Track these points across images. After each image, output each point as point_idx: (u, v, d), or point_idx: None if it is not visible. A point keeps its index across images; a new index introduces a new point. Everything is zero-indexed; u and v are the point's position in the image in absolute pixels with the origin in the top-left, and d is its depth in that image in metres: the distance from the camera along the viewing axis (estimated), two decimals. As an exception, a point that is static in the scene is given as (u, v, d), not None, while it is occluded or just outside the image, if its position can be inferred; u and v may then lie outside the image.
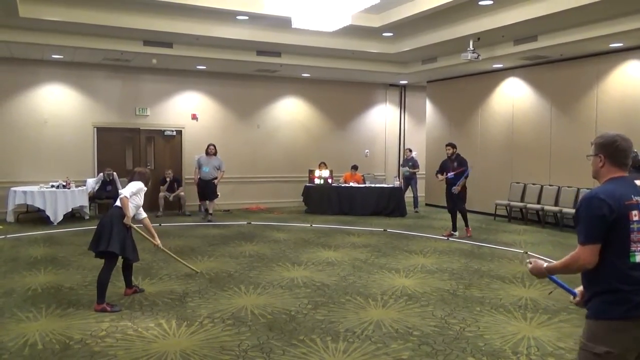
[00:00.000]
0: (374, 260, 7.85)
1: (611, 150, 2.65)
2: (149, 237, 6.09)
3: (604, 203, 2.50)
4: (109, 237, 5.40)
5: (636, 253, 2.50)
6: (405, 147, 14.78)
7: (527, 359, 4.30)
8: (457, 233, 9.89)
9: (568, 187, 10.87)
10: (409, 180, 13.78)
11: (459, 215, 9.93)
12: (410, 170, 13.84)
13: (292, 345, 4.50)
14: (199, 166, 11.88)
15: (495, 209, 12.13)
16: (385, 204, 12.76)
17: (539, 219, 11.44)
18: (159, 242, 6.10)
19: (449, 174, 9.77)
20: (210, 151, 11.85)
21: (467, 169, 9.66)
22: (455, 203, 9.86)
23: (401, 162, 14.35)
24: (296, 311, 5.41)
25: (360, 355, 4.32)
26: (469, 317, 5.28)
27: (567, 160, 11.08)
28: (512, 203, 11.86)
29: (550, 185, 11.36)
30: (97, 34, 10.02)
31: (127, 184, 5.96)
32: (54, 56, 11.40)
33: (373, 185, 13.41)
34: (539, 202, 11.40)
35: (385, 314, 5.37)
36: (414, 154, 15.76)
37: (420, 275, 6.97)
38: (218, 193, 12.04)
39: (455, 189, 9.60)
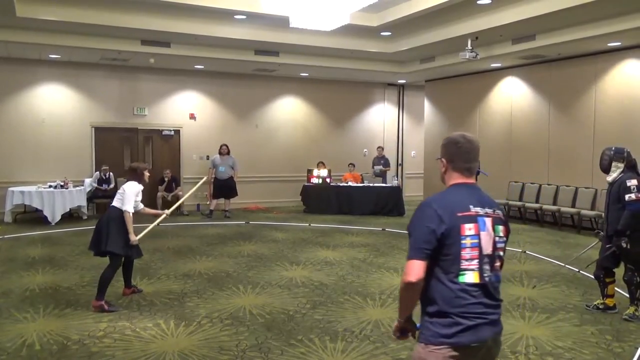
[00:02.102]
0: (373, 259, 7.85)
1: (451, 153, 2.36)
2: (157, 217, 6.21)
3: (435, 215, 2.20)
4: (109, 237, 5.38)
5: (467, 272, 2.19)
6: (378, 146, 14.67)
7: (525, 358, 4.30)
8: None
9: (566, 186, 10.88)
10: (383, 177, 13.83)
11: None
12: (383, 169, 13.91)
13: (291, 345, 4.50)
14: (215, 166, 12.15)
15: (494, 208, 12.12)
16: (384, 203, 12.75)
17: (538, 218, 11.45)
18: (167, 212, 6.28)
19: None
20: (223, 151, 12.19)
21: (480, 170, 9.91)
22: None
23: (373, 160, 14.35)
24: (295, 311, 5.41)
25: (359, 355, 4.31)
26: (468, 317, 5.27)
27: (566, 159, 11.10)
28: (511, 202, 11.86)
29: (548, 185, 11.36)
30: (95, 34, 9.99)
31: (125, 183, 5.87)
32: (51, 56, 11.37)
33: (371, 184, 13.40)
34: (537, 202, 11.41)
35: (384, 313, 5.36)
36: (412, 153, 15.81)
37: (418, 274, 6.95)
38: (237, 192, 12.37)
39: None
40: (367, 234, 10.03)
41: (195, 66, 12.68)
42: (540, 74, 11.64)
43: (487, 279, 2.23)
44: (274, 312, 5.37)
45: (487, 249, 2.25)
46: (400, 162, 16.17)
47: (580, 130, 10.77)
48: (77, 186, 11.42)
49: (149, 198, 12.65)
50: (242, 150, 13.81)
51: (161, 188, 12.44)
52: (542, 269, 7.31)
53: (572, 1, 7.76)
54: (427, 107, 15.01)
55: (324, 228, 10.79)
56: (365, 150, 15.53)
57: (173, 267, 7.20)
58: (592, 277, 6.30)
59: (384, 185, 13.38)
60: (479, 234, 2.23)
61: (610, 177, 5.35)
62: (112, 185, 11.97)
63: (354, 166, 13.90)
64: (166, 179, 12.48)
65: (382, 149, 14.45)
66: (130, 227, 5.51)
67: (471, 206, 2.26)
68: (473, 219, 2.23)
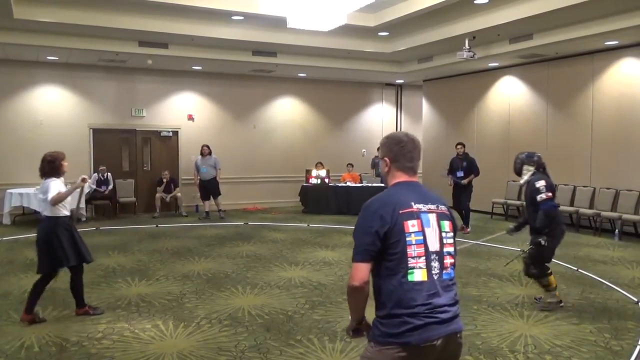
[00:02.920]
0: (371, 259, 7.83)
1: (395, 152, 2.33)
2: (69, 193, 5.08)
3: (376, 215, 2.17)
4: (62, 251, 4.97)
5: (415, 270, 2.15)
6: (378, 147, 14.69)
7: (524, 357, 4.30)
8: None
9: (564, 185, 10.88)
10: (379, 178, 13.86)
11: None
12: None
13: (290, 346, 4.50)
14: (197, 168, 12.08)
15: (492, 207, 12.14)
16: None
17: (536, 217, 11.45)
18: (77, 182, 5.16)
19: (457, 174, 10.47)
20: (204, 152, 12.10)
21: (477, 171, 10.43)
22: (461, 200, 10.33)
23: (373, 161, 14.35)
24: (293, 311, 5.41)
25: (358, 355, 4.31)
26: (466, 316, 5.28)
27: (564, 158, 11.10)
28: (509, 201, 11.87)
29: (546, 183, 11.37)
30: (92, 35, 9.98)
31: (46, 181, 5.12)
32: (49, 57, 11.36)
33: (370, 184, 13.41)
34: (535, 200, 11.41)
35: (383, 313, 5.36)
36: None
37: (417, 274, 6.95)
38: (220, 191, 12.23)
39: (464, 181, 10.34)
40: (365, 234, 10.02)
41: (193, 67, 12.68)
42: (538, 73, 11.66)
43: (435, 276, 2.18)
44: (273, 312, 5.37)
45: (434, 245, 2.20)
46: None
47: (578, 128, 10.79)
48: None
49: (147, 199, 12.78)
50: (241, 150, 13.83)
51: (159, 189, 12.45)
52: (541, 268, 7.31)
53: (569, 0, 7.77)
54: (425, 106, 15.02)
55: (322, 228, 10.79)
56: (363, 150, 15.53)
57: (172, 268, 7.20)
58: (593, 276, 6.32)
59: (382, 185, 13.36)
60: (423, 230, 2.19)
61: (522, 180, 5.66)
62: (110, 187, 11.98)
63: (353, 166, 13.91)
64: (164, 180, 12.48)
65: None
66: (67, 193, 4.99)
67: (412, 202, 2.22)
68: (415, 215, 2.19)
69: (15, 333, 4.77)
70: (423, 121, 15.17)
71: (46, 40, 9.90)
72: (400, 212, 2.17)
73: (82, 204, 11.37)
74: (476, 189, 10.80)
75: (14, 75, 11.73)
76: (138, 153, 13.08)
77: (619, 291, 6.15)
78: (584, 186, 10.53)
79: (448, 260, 2.24)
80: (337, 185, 13.24)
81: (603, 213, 9.82)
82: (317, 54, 11.94)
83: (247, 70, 13.08)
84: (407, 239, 2.15)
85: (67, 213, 5.16)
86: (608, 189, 10.05)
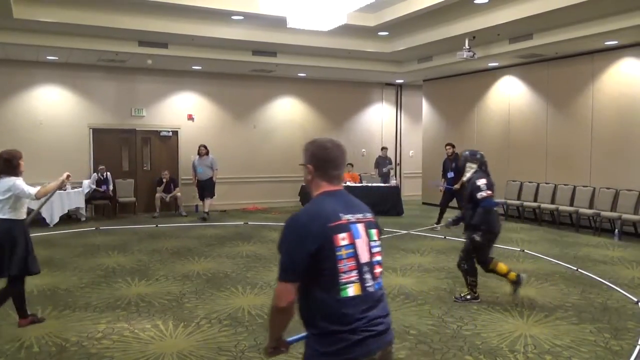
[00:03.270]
0: (371, 259, 7.83)
1: (320, 159, 2.22)
2: (54, 188, 5.04)
3: (306, 230, 2.04)
4: (9, 258, 4.67)
5: (348, 285, 2.04)
6: (382, 147, 14.65)
7: (524, 357, 4.31)
8: (439, 227, 10.35)
9: (564, 184, 10.89)
10: (387, 177, 13.86)
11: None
12: (391, 167, 14.28)
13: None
14: (194, 168, 12.12)
15: (492, 207, 12.13)
16: (382, 203, 12.73)
17: (536, 217, 11.45)
18: (63, 177, 5.11)
19: (448, 175, 10.60)
20: (202, 152, 12.10)
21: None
22: (456, 200, 10.51)
23: (377, 160, 14.35)
24: (293, 311, 5.40)
25: (358, 355, 4.31)
26: (466, 316, 5.29)
27: (564, 158, 11.11)
28: (509, 201, 11.87)
29: (546, 183, 11.38)
30: (92, 35, 9.98)
31: (2, 179, 4.90)
32: (48, 57, 11.36)
33: (370, 184, 13.41)
34: (535, 200, 11.42)
35: (383, 313, 5.35)
36: (410, 153, 15.83)
37: (417, 273, 6.97)
38: (215, 193, 12.18)
39: (456, 186, 10.29)
40: (365, 234, 10.02)
41: (193, 67, 12.67)
42: (538, 73, 11.66)
43: (369, 289, 2.10)
44: (273, 312, 5.36)
45: (364, 256, 2.12)
46: (398, 161, 16.18)
47: (578, 128, 10.79)
48: (75, 188, 11.42)
49: (147, 199, 12.78)
50: (240, 150, 13.82)
51: (159, 189, 12.45)
52: (541, 268, 7.32)
53: (569, 0, 7.77)
54: (425, 106, 15.02)
55: (322, 228, 10.78)
56: (363, 150, 15.52)
57: (171, 268, 7.20)
58: (593, 276, 6.30)
59: (382, 185, 13.38)
60: (353, 243, 2.09)
61: (465, 177, 5.81)
62: (110, 186, 11.98)
63: (353, 166, 13.89)
64: (164, 180, 12.48)
65: (387, 149, 14.47)
66: (55, 186, 4.92)
67: (341, 214, 2.10)
68: (345, 227, 2.09)
69: (15, 333, 4.77)
70: (423, 121, 15.17)
71: (46, 40, 9.90)
72: (330, 225, 2.06)
73: (83, 205, 11.42)
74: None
75: (14, 75, 11.73)
76: (138, 153, 13.08)
77: (619, 291, 6.15)
78: (583, 186, 10.52)
79: (378, 270, 2.17)
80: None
81: (603, 213, 9.82)
82: (317, 54, 11.94)
83: (247, 70, 13.08)
84: (338, 253, 2.04)
85: (25, 216, 4.93)
86: (608, 189, 10.04)
